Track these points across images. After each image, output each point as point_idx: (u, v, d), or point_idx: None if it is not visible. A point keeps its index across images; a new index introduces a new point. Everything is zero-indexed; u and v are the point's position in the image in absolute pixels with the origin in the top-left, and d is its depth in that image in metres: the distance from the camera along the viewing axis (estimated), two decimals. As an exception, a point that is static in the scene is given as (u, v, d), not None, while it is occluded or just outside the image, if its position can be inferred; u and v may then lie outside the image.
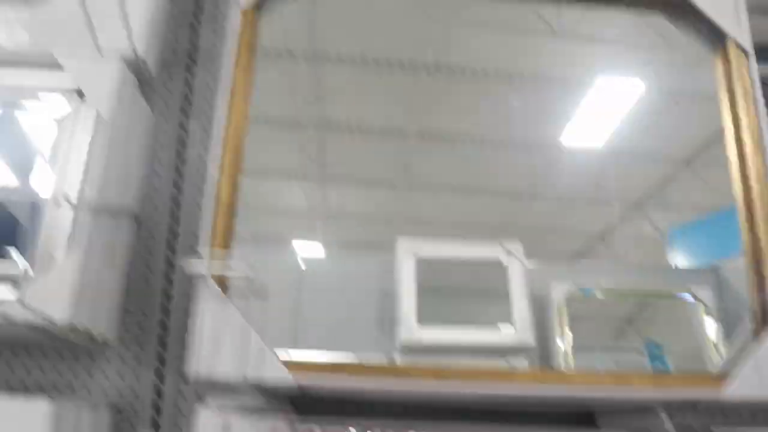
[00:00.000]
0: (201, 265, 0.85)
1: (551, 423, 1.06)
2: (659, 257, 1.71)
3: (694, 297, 1.45)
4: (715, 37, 1.13)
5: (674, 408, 1.08)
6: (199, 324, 0.83)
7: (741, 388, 0.92)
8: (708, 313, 1.41)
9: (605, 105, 1.71)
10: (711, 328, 1.40)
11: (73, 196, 0.96)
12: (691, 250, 1.69)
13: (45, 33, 1.07)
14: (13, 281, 0.92)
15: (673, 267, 1.68)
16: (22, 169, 1.00)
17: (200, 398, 1.10)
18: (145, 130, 1.17)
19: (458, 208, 1.71)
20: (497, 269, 1.42)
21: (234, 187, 0.88)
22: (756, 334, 0.97)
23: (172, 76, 1.24)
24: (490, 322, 1.40)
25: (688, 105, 1.68)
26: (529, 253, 1.44)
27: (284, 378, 0.81)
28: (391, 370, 0.88)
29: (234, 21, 0.97)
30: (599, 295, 1.50)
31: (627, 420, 1.09)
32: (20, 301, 0.89)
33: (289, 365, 0.81)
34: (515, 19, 1.63)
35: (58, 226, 0.96)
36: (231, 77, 0.93)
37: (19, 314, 0.90)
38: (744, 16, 1.11)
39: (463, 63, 1.69)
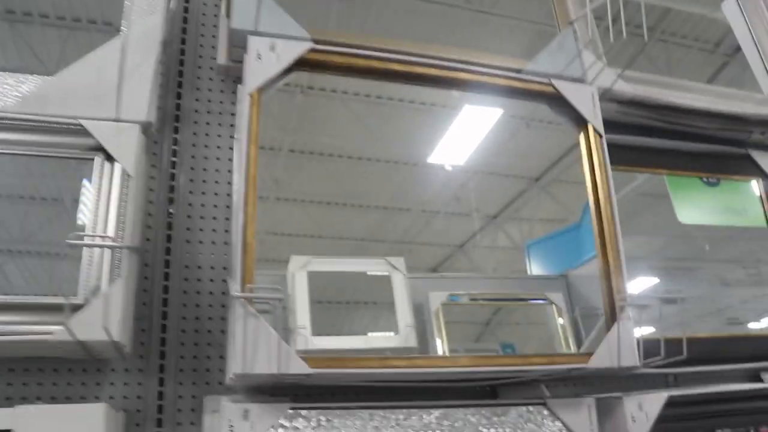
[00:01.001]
0: (237, 289, 1.14)
1: (467, 396, 1.45)
2: (515, 265, 1.90)
3: (549, 300, 1.70)
4: (579, 120, 1.59)
5: (553, 379, 1.52)
6: (238, 335, 1.11)
7: (599, 360, 1.37)
8: (559, 313, 1.67)
9: (467, 128, 1.81)
10: (561, 325, 1.65)
11: (112, 238, 1.19)
12: (545, 260, 1.91)
13: (65, 101, 1.28)
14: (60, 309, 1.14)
15: (530, 275, 1.90)
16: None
17: (194, 399, 1.38)
18: (146, 177, 1.42)
19: (328, 221, 1.76)
20: (378, 281, 1.57)
21: (253, 233, 1.18)
22: (608, 324, 1.44)
23: (162, 134, 1.49)
24: (372, 329, 1.57)
25: (537, 129, 1.86)
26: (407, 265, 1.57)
27: (304, 371, 1.12)
28: (378, 361, 1.22)
29: (242, 104, 1.26)
30: (465, 301, 1.66)
31: (519, 391, 1.52)
32: (67, 328, 1.12)
33: (308, 360, 1.13)
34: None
35: (97, 262, 1.19)
36: (245, 149, 1.21)
37: (68, 337, 1.12)
38: (598, 109, 1.59)
39: (337, 86, 1.74)
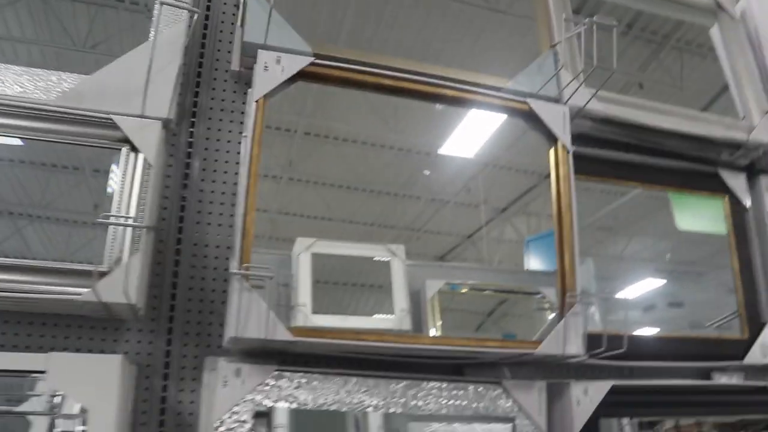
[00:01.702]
0: (235, 267, 1.36)
1: (436, 372, 1.65)
2: (521, 258, 1.94)
3: (542, 294, 1.78)
4: (550, 137, 1.78)
5: (511, 363, 1.72)
6: (234, 305, 1.33)
7: (547, 347, 1.57)
8: (551, 308, 1.73)
9: (478, 122, 1.87)
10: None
11: (133, 218, 1.41)
12: (543, 255, 1.90)
13: (98, 97, 1.50)
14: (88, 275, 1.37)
15: (527, 269, 1.93)
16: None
17: (196, 358, 1.60)
18: (164, 166, 1.64)
19: (338, 204, 1.79)
20: (383, 267, 1.66)
21: (251, 220, 1.39)
22: (557, 318, 1.64)
23: (180, 127, 1.70)
24: (376, 311, 1.64)
25: None
26: (409, 253, 1.67)
27: (288, 338, 1.34)
28: (352, 334, 1.43)
29: (249, 107, 1.47)
30: (464, 291, 1.76)
31: (482, 370, 1.72)
32: (95, 291, 1.34)
33: (292, 330, 1.35)
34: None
35: (120, 237, 1.41)
36: (250, 148, 1.42)
37: (94, 298, 1.35)
38: (568, 127, 1.77)
39: None
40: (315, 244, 1.60)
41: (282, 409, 1.42)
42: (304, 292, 1.54)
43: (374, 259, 1.67)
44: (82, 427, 1.29)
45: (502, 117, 1.86)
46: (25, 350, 1.48)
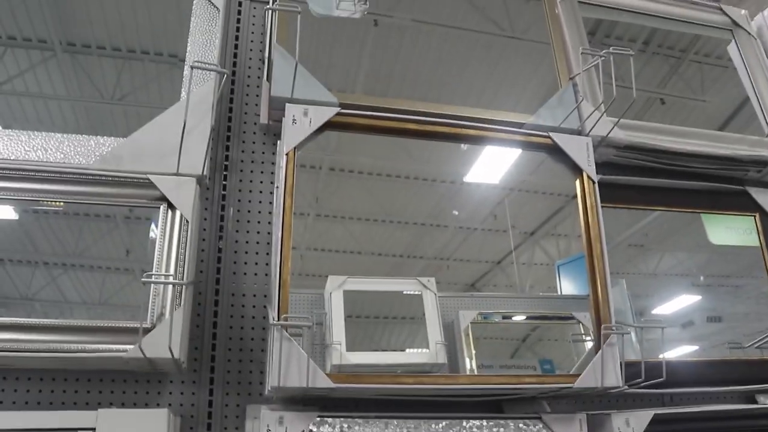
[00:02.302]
0: (274, 317, 1.39)
1: (476, 409, 1.66)
2: (552, 282, 1.95)
3: (576, 319, 1.79)
4: (575, 168, 1.80)
5: (549, 396, 1.72)
6: (275, 355, 1.36)
7: (584, 381, 1.57)
8: (585, 332, 1.75)
9: (501, 149, 1.88)
10: (589, 344, 1.70)
11: (173, 275, 1.46)
12: (574, 279, 1.91)
13: (135, 159, 1.56)
14: (133, 332, 1.41)
15: (558, 294, 1.95)
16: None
17: (238, 407, 1.63)
18: (200, 220, 1.69)
19: (367, 238, 1.80)
20: (415, 300, 1.68)
21: (287, 271, 1.43)
22: (596, 348, 1.64)
23: (213, 180, 1.76)
24: (410, 344, 1.67)
25: None
26: (439, 282, 1.67)
27: (328, 385, 1.37)
28: (390, 377, 1.45)
29: (280, 159, 1.52)
30: (497, 320, 1.78)
31: (521, 405, 1.72)
32: (139, 347, 1.38)
33: (331, 376, 1.37)
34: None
35: (162, 294, 1.46)
36: (282, 200, 1.47)
37: (139, 354, 1.39)
38: (592, 159, 1.79)
39: None
40: (346, 282, 1.63)
41: (326, 455, 1.44)
42: (338, 331, 1.57)
43: (405, 292, 1.69)
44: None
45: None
46: (73, 407, 1.52)
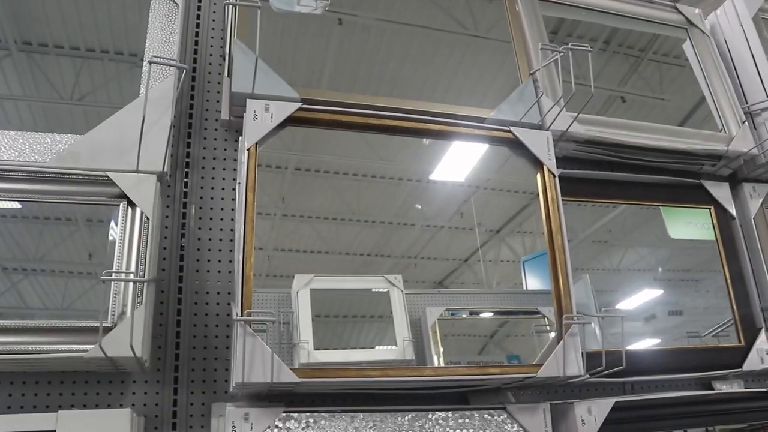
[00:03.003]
0: (237, 313, 1.39)
1: (441, 402, 1.67)
2: (518, 278, 1.96)
3: (541, 314, 1.81)
4: (536, 162, 1.83)
5: (514, 387, 1.75)
6: (239, 351, 1.36)
7: (547, 370, 1.60)
8: (550, 326, 1.76)
9: (467, 146, 1.90)
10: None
11: (134, 273, 1.44)
12: (538, 274, 1.93)
13: (94, 156, 1.53)
14: (93, 331, 1.39)
15: (523, 290, 1.94)
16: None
17: (203, 405, 1.61)
18: (162, 218, 1.67)
19: (334, 238, 1.80)
20: (383, 297, 1.69)
21: (251, 267, 1.42)
22: (555, 340, 1.67)
23: (174, 178, 1.74)
24: (379, 342, 1.67)
25: None
26: (406, 280, 1.70)
27: (293, 380, 1.36)
28: (356, 371, 1.46)
29: (242, 155, 1.51)
30: (461, 316, 1.79)
31: (487, 396, 1.74)
32: (100, 347, 1.36)
33: (296, 371, 1.37)
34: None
35: (123, 293, 1.43)
36: (244, 195, 1.46)
37: (100, 354, 1.37)
38: (552, 153, 1.82)
39: None
40: (313, 280, 1.63)
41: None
42: (305, 329, 1.56)
43: (373, 290, 1.70)
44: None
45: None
46: (33, 410, 1.49)
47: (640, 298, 2.14)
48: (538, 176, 1.83)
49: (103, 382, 1.56)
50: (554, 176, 1.80)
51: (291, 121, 1.61)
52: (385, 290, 1.69)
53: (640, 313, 2.11)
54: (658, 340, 2.06)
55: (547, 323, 1.79)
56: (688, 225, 2.26)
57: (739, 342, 2.11)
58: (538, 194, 1.82)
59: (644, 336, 2.06)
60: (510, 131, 1.83)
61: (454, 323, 1.75)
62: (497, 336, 1.84)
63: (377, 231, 1.85)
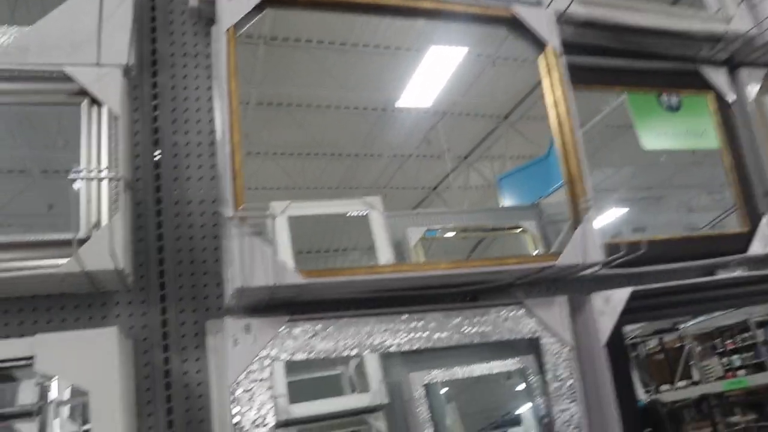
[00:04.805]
0: (230, 211, 1.23)
1: (450, 302, 1.57)
2: (489, 203, 1.96)
3: (523, 229, 1.77)
4: (538, 43, 1.68)
5: (526, 282, 1.64)
6: (236, 253, 1.21)
7: (567, 258, 1.50)
8: (534, 241, 1.74)
9: (432, 70, 1.82)
10: (535, 249, 1.72)
11: (107, 174, 1.26)
12: (517, 191, 1.96)
13: (44, 50, 1.33)
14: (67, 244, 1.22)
15: (504, 206, 1.95)
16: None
17: (196, 324, 1.47)
18: (131, 119, 1.48)
19: (301, 173, 1.77)
20: (363, 224, 1.59)
21: (240, 161, 1.26)
22: (572, 228, 1.56)
23: (141, 79, 1.54)
24: None
25: (503, 67, 1.91)
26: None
27: (299, 281, 1.23)
28: (366, 269, 1.33)
29: (218, 43, 1.33)
30: (444, 235, 1.72)
31: (497, 295, 1.64)
32: (77, 258, 1.20)
33: (301, 271, 1.23)
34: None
35: (97, 198, 1.26)
36: (226, 83, 1.29)
37: (75, 268, 1.20)
38: (555, 29, 1.68)
39: (300, 35, 1.76)
40: (289, 207, 1.51)
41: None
42: (285, 258, 1.41)
43: (351, 214, 1.61)
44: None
45: (455, 60, 1.80)
46: (6, 339, 1.33)
47: (607, 217, 2.06)
48: (541, 58, 1.69)
49: (82, 306, 1.40)
50: (559, 56, 1.66)
51: (269, 1, 1.42)
52: (364, 213, 1.60)
53: (606, 232, 2.01)
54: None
55: (531, 238, 1.74)
56: (661, 135, 2.17)
57: (743, 228, 2.05)
58: (540, 80, 1.68)
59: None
60: (509, 9, 1.67)
61: (433, 243, 1.68)
62: (478, 251, 1.77)
63: (344, 164, 1.82)
